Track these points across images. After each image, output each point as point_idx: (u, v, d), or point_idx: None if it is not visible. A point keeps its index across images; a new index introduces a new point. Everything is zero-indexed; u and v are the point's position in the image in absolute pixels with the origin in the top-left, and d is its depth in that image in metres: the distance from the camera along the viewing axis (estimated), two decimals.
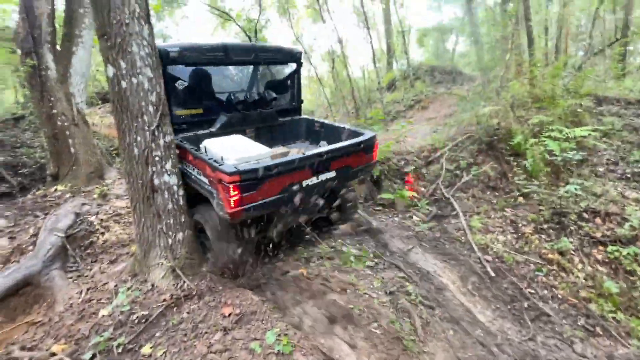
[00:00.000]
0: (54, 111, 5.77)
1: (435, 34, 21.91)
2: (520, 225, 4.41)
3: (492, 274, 3.67)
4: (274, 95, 4.07)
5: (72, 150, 5.87)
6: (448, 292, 3.34)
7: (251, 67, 4.34)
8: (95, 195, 4.86)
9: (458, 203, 4.91)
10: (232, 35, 19.81)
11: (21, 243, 3.61)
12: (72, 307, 2.68)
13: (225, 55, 3.46)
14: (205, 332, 2.29)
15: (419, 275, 3.46)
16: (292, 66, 4.20)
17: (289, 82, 4.25)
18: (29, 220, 4.19)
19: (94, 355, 2.06)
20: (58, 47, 6.11)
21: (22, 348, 2.15)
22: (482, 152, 5.57)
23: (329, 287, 2.97)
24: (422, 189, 5.37)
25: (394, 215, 4.94)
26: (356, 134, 3.53)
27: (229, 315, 2.43)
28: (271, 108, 4.07)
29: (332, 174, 3.07)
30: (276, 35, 20.67)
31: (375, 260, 3.50)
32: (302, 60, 4.19)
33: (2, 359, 2.13)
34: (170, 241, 2.85)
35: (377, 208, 5.14)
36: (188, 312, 2.49)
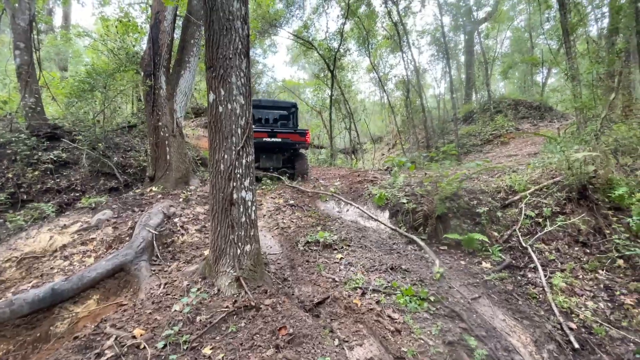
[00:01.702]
0: (160, 123, 6.78)
1: (523, 67, 20.45)
2: (617, 293, 3.74)
3: (576, 346, 3.15)
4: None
5: (168, 157, 6.79)
6: (517, 355, 2.96)
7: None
8: (180, 199, 5.51)
9: (537, 255, 4.38)
10: (312, 62, 21.17)
11: (121, 233, 4.26)
12: (152, 297, 3.05)
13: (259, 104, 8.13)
14: (259, 346, 2.40)
15: (483, 329, 3.14)
16: (293, 110, 9.29)
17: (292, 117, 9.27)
18: (128, 214, 4.93)
19: (165, 346, 2.31)
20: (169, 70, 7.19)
21: (112, 326, 2.52)
22: (572, 201, 4.93)
23: (382, 323, 2.88)
24: (495, 233, 4.93)
25: (460, 258, 4.60)
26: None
27: (283, 334, 2.51)
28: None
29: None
30: (354, 62, 21.48)
31: (436, 305, 3.29)
32: (298, 106, 9.45)
33: (94, 331, 2.51)
34: (238, 251, 3.09)
35: (442, 247, 4.86)
36: (246, 323, 2.64)
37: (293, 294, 3.33)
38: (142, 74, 6.91)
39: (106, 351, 2.21)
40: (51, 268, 3.70)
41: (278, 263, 4.02)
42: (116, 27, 10.85)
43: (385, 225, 5.36)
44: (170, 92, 7.08)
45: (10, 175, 6.55)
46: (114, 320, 2.65)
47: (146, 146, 8.34)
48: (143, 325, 2.55)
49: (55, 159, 7.16)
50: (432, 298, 3.34)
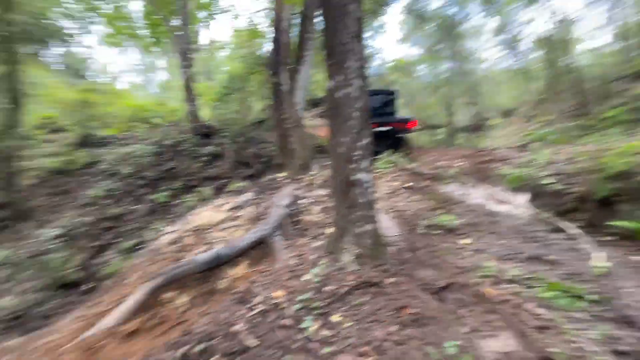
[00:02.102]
0: (283, 116, 7.55)
1: None
2: None
3: None
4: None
5: (292, 146, 7.52)
6: None
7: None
8: (304, 183, 6.07)
9: None
10: (426, 35, 19.65)
11: (260, 212, 5.02)
12: (287, 266, 3.51)
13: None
14: (383, 321, 2.48)
15: None
16: (392, 97, 9.64)
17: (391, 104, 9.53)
18: (264, 196, 5.75)
19: (300, 308, 2.64)
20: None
21: (259, 286, 3.03)
22: None
23: (521, 317, 2.55)
24: None
25: (633, 252, 3.60)
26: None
27: (406, 313, 2.51)
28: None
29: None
30: (475, 29, 18.87)
31: (599, 306, 2.69)
32: (397, 94, 9.98)
33: (246, 289, 3.06)
34: (358, 230, 3.22)
35: (605, 238, 3.90)
36: (369, 298, 2.75)
37: (414, 276, 3.27)
38: (269, 72, 7.80)
39: (256, 305, 2.69)
40: (214, 238, 4.69)
41: (396, 245, 4.00)
42: (245, 36, 12.48)
43: (522, 209, 4.63)
44: (291, 88, 7.77)
45: (182, 167, 8.51)
46: (260, 282, 3.18)
47: (274, 138, 9.47)
48: (281, 289, 2.98)
49: (209, 153, 8.91)
50: (591, 297, 2.74)
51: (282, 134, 7.59)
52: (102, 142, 9.97)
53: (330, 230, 4.02)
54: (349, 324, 2.49)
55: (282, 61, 7.44)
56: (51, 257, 6.18)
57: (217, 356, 2.24)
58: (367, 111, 3.21)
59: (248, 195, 5.82)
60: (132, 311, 3.54)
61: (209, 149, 8.93)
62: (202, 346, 2.30)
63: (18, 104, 7.46)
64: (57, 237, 6.69)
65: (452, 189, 5.64)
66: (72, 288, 5.80)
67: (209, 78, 19.52)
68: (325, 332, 2.41)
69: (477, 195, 5.30)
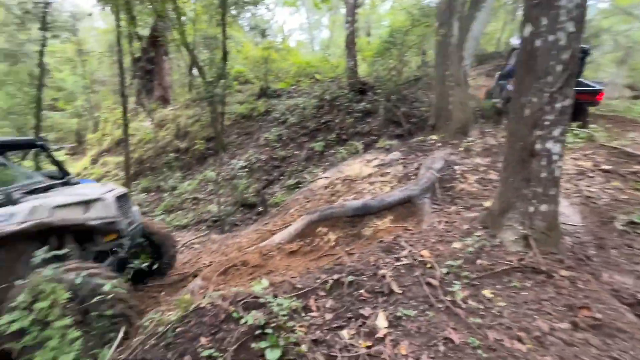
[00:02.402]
0: (446, 73, 6.88)
1: None
2: None
3: None
4: None
5: (450, 107, 6.88)
6: None
7: None
8: (461, 149, 5.56)
9: None
10: None
11: (408, 172, 4.97)
12: (434, 229, 3.43)
13: None
14: (549, 313, 2.15)
15: None
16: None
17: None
18: (413, 157, 5.61)
19: (447, 273, 2.58)
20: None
21: (405, 242, 3.11)
22: None
23: None
24: None
25: None
26: None
27: (584, 314, 2.10)
28: None
29: None
30: None
31: None
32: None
33: (393, 241, 3.19)
34: (531, 209, 2.77)
35: None
36: (532, 284, 2.42)
37: (600, 278, 2.65)
38: (437, 23, 7.10)
39: (403, 258, 2.79)
40: (362, 189, 4.99)
41: (576, 236, 3.28)
42: None
43: None
44: (461, 39, 6.89)
45: (337, 121, 9.14)
46: (405, 238, 3.24)
47: (430, 97, 8.86)
48: (428, 250, 2.96)
49: (362, 109, 9.18)
50: None
51: (442, 92, 7.00)
52: (276, 94, 11.69)
53: (489, 202, 3.63)
54: (502, 303, 2.28)
55: (455, 8, 6.59)
56: (238, 182, 8.03)
57: (362, 290, 2.50)
58: (575, 65, 2.54)
59: (396, 154, 5.81)
60: (293, 236, 4.29)
61: (363, 105, 9.19)
62: (351, 278, 2.60)
63: (225, 59, 9.47)
64: (242, 167, 8.58)
65: None
66: (250, 208, 7.47)
67: (369, 34, 19.44)
68: (474, 303, 2.30)
69: None
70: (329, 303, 2.39)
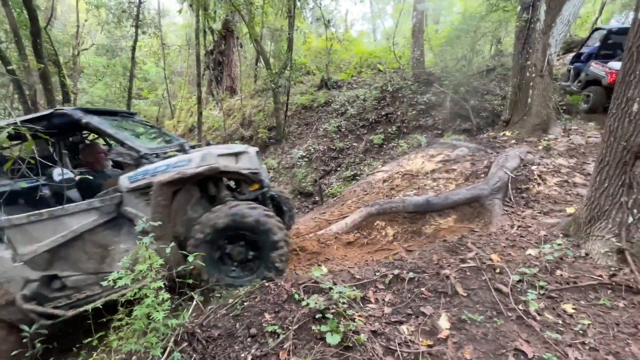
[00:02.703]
0: (528, 62, 6.21)
1: None
2: None
3: None
4: None
5: (529, 100, 6.23)
6: None
7: None
8: (540, 147, 5.02)
9: None
10: None
11: (477, 169, 4.64)
12: (504, 233, 3.17)
13: None
14: None
15: None
16: None
17: None
18: (482, 154, 5.21)
19: (520, 280, 2.38)
20: None
21: (472, 244, 2.93)
22: None
23: None
24: None
25: None
26: None
27: None
28: None
29: None
30: None
31: None
32: None
33: (458, 241, 3.03)
34: (630, 219, 2.41)
35: None
36: (626, 305, 2.13)
37: None
38: (519, 7, 6.42)
39: (469, 260, 2.64)
40: (424, 185, 4.81)
41: None
42: None
43: None
44: (548, 24, 6.13)
45: (398, 113, 8.86)
46: (472, 239, 3.06)
47: (504, 90, 8.11)
48: (497, 255, 2.75)
49: (426, 101, 8.75)
50: None
51: (520, 84, 6.34)
52: (337, 85, 11.69)
53: (573, 208, 3.25)
54: (586, 321, 2.04)
55: None
56: (297, 170, 8.28)
57: (423, 288, 2.43)
58: None
59: (464, 150, 5.44)
60: (350, 227, 4.31)
61: (427, 97, 8.75)
62: (412, 275, 2.54)
63: (291, 50, 9.72)
64: (301, 157, 8.81)
65: None
66: (307, 197, 7.67)
67: (437, 22, 18.32)
68: (551, 317, 2.10)
69: None
70: (388, 297, 2.38)
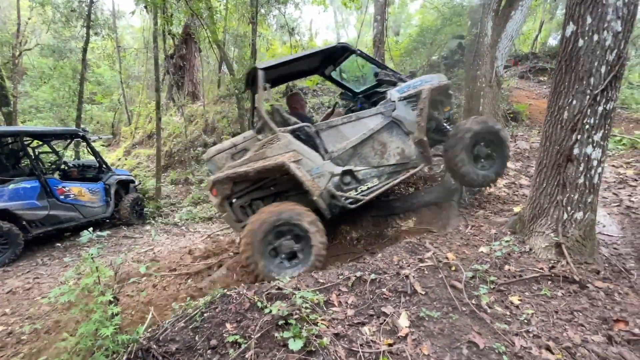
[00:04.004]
0: (478, 73, 6.67)
1: None
2: None
3: None
4: None
5: (481, 108, 6.67)
6: None
7: None
8: None
9: None
10: None
11: (434, 173, 4.88)
12: (459, 233, 3.36)
13: None
14: (581, 324, 2.07)
15: None
16: None
17: None
18: (439, 159, 5.48)
19: (473, 277, 2.53)
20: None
21: (430, 244, 3.07)
22: None
23: None
24: None
25: None
26: None
27: (620, 328, 2.00)
28: None
29: None
30: None
31: None
32: None
33: (417, 242, 3.16)
34: (565, 216, 2.66)
35: None
36: (564, 294, 2.33)
37: (639, 292, 2.50)
38: (469, 22, 6.91)
39: (427, 259, 2.75)
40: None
41: (615, 248, 3.11)
42: None
43: None
44: (495, 39, 6.65)
45: None
46: (430, 239, 3.20)
47: (459, 98, 8.63)
48: (453, 253, 2.91)
49: None
50: None
51: (473, 93, 6.80)
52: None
53: (519, 208, 3.52)
54: (530, 311, 2.21)
55: (490, 6, 6.38)
56: None
57: (384, 289, 2.49)
58: (622, 67, 2.41)
59: None
60: None
61: None
62: (373, 276, 2.60)
63: (255, 56, 9.66)
64: None
65: None
66: None
67: (397, 33, 19.17)
68: (500, 309, 2.24)
69: None
70: (351, 299, 2.41)
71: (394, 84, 3.63)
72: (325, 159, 3.28)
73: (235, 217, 3.36)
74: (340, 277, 2.63)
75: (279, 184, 3.45)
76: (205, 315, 2.22)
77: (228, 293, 2.42)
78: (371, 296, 2.43)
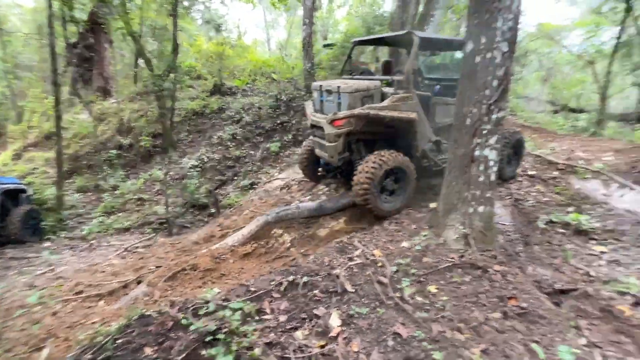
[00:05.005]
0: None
1: None
2: None
3: None
4: None
5: None
6: None
7: None
8: None
9: None
10: None
11: None
12: (385, 230, 3.59)
13: None
14: (484, 305, 2.37)
15: None
16: None
17: None
18: None
19: (397, 270, 2.72)
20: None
21: (359, 242, 3.21)
22: None
23: None
24: None
25: None
26: None
27: (512, 304, 2.35)
28: None
29: None
30: None
31: None
32: None
33: (347, 241, 3.28)
34: (470, 210, 3.03)
35: None
36: (470, 279, 2.65)
37: (526, 271, 2.98)
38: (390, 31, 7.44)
39: (355, 257, 2.88)
40: (318, 190, 5.05)
41: (507, 235, 3.65)
42: None
43: None
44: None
45: (293, 122, 9.13)
46: (359, 238, 3.35)
47: None
48: (379, 250, 3.09)
49: None
50: None
51: None
52: (231, 91, 11.34)
53: (434, 204, 3.89)
54: (445, 297, 2.47)
55: (407, 21, 6.98)
56: (189, 181, 7.65)
57: (316, 290, 2.53)
58: (509, 81, 2.84)
59: None
60: (247, 237, 4.19)
61: None
62: (305, 279, 2.62)
63: (176, 51, 8.97)
64: (193, 166, 8.18)
65: (592, 187, 4.71)
66: (201, 209, 7.14)
67: (325, 37, 19.72)
68: (420, 299, 2.45)
69: (628, 199, 4.31)
70: (284, 305, 2.39)
71: None
72: (430, 126, 4.18)
73: (341, 150, 3.92)
74: (272, 283, 2.58)
75: (387, 134, 4.14)
76: (118, 341, 1.96)
77: (147, 313, 2.19)
78: (303, 299, 2.44)
